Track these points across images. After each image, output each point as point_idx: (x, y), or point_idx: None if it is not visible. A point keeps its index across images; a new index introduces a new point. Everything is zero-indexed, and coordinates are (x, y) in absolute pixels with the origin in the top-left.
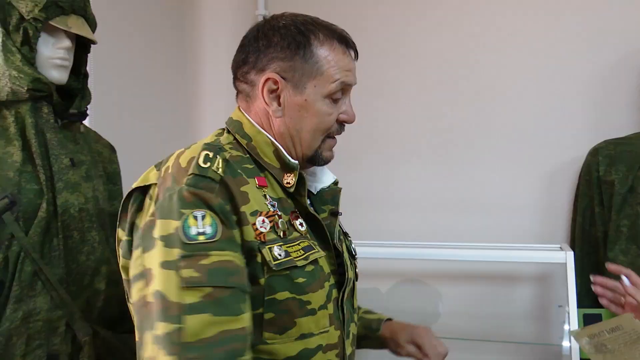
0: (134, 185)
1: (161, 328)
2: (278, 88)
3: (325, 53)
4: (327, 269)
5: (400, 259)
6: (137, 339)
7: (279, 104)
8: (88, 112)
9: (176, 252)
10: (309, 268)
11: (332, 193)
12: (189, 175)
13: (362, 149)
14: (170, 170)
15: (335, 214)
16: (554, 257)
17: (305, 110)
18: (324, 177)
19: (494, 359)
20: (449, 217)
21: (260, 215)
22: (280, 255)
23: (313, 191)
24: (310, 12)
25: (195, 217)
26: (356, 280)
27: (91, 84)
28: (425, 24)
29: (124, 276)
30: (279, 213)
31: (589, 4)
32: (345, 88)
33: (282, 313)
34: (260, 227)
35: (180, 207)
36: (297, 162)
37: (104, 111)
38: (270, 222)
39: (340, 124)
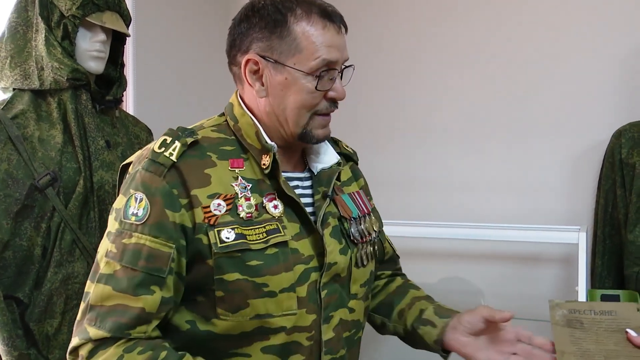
0: (124, 163)
1: (86, 285)
2: (259, 68)
3: (302, 29)
4: (307, 251)
5: (426, 238)
6: None
7: (262, 84)
8: (127, 98)
9: (116, 226)
10: (271, 251)
11: (329, 174)
12: (145, 158)
13: (392, 131)
14: (143, 151)
15: (325, 196)
16: (567, 237)
17: (287, 88)
18: (325, 158)
19: None
20: (474, 198)
21: (217, 198)
22: (228, 238)
23: (314, 171)
24: (349, 6)
25: (136, 199)
26: (361, 265)
27: (133, 71)
28: (452, 5)
29: None
30: (248, 195)
31: None
32: (330, 64)
33: (233, 293)
34: (215, 209)
35: (130, 186)
36: (273, 144)
37: (145, 97)
38: (228, 204)
39: (331, 101)
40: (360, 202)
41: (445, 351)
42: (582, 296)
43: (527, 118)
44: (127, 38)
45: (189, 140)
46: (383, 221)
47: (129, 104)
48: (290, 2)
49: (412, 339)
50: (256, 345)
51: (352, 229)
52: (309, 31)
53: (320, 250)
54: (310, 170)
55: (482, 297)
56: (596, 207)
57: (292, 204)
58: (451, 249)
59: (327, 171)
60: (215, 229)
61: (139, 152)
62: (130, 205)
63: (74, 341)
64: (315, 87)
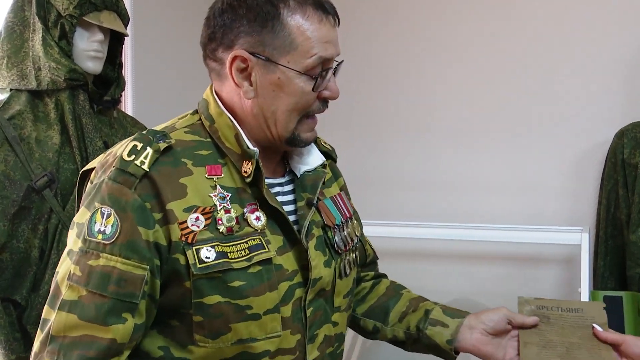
0: (83, 169)
1: (45, 312)
2: (248, 66)
3: (297, 23)
4: (291, 266)
5: (427, 239)
6: None
7: (251, 84)
8: (125, 98)
9: (78, 244)
10: (254, 269)
11: (314, 178)
12: (112, 168)
13: (391, 131)
14: (107, 157)
15: (310, 204)
16: (569, 238)
17: (279, 89)
18: (309, 159)
19: None
20: (476, 199)
21: (195, 212)
22: (208, 257)
23: (297, 173)
24: (354, 4)
25: (102, 214)
26: (344, 276)
27: (131, 71)
28: (451, 3)
29: None
30: (228, 207)
31: None
32: (326, 62)
33: (214, 317)
34: (192, 225)
35: (94, 199)
36: (256, 149)
37: (143, 97)
38: (206, 218)
39: (323, 101)
40: (342, 206)
41: (456, 352)
42: (584, 297)
43: (529, 118)
44: (125, 38)
45: (162, 145)
46: (382, 222)
47: (128, 104)
48: None
49: (416, 341)
50: None
51: (337, 238)
52: (304, 25)
53: (303, 263)
54: (291, 173)
55: (484, 299)
56: (598, 208)
57: (274, 214)
58: (452, 250)
59: (311, 175)
60: (194, 248)
61: (101, 157)
62: (96, 221)
63: None
64: (312, 89)
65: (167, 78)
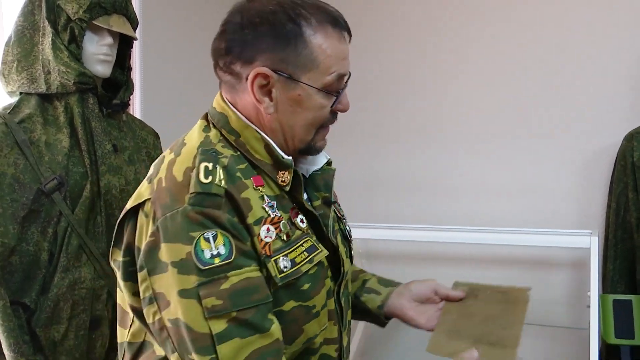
0: (129, 206)
1: (197, 359)
2: (269, 83)
3: (319, 42)
4: (325, 263)
5: (435, 242)
6: (169, 357)
7: (271, 100)
8: (134, 101)
9: (193, 280)
10: (313, 270)
11: (325, 177)
12: (191, 194)
13: (400, 135)
14: (164, 184)
15: (328, 202)
16: (578, 242)
17: (298, 105)
18: (316, 159)
19: (526, 341)
20: (484, 202)
21: (264, 223)
22: (286, 267)
23: (305, 174)
24: (358, 7)
25: (207, 239)
26: (351, 263)
27: (140, 74)
28: (458, 6)
29: (120, 294)
30: (278, 214)
31: None
32: (341, 78)
33: (290, 323)
34: (265, 237)
35: (188, 229)
36: (291, 158)
37: (152, 100)
38: (275, 228)
39: (333, 113)
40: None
41: (386, 317)
42: (594, 301)
43: (538, 121)
44: (134, 41)
45: (225, 161)
46: (389, 225)
47: (136, 108)
48: (301, 9)
49: (354, 308)
50: None
51: (347, 227)
52: (325, 44)
53: (330, 258)
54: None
55: None
56: (608, 211)
57: (308, 216)
58: (460, 253)
59: (320, 175)
60: (272, 259)
61: (147, 186)
62: (204, 248)
63: None
64: (332, 106)
65: (175, 81)
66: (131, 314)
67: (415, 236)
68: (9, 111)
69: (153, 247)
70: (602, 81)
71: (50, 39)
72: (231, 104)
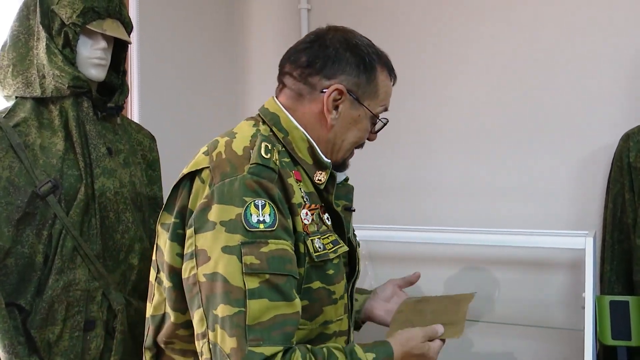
0: (185, 171)
1: (223, 310)
2: (341, 99)
3: (382, 79)
4: (344, 260)
5: (432, 244)
6: (192, 315)
7: (337, 113)
8: (131, 105)
9: (238, 238)
10: (336, 261)
11: (347, 190)
12: (252, 164)
13: (399, 136)
14: (224, 156)
15: (349, 209)
16: (574, 243)
17: (355, 124)
18: (337, 175)
19: (523, 342)
20: (480, 203)
21: (304, 208)
22: (320, 247)
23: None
24: (357, 7)
25: (257, 206)
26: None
27: (137, 78)
28: (458, 9)
29: (159, 257)
30: (312, 207)
31: None
32: (384, 111)
33: (314, 301)
34: (304, 219)
35: (243, 194)
36: (330, 160)
37: (150, 103)
38: (312, 214)
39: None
40: None
41: (362, 322)
42: (589, 302)
43: (534, 121)
44: (130, 45)
45: (279, 147)
46: (387, 226)
47: (134, 111)
48: (376, 51)
49: None
50: None
51: (356, 237)
52: (384, 82)
53: (345, 260)
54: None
55: (490, 304)
56: (605, 212)
57: (335, 219)
58: (456, 255)
59: (342, 187)
60: (310, 238)
61: (204, 157)
62: (252, 213)
63: None
64: (375, 130)
65: (173, 85)
66: (154, 290)
67: (410, 237)
68: (4, 115)
69: (205, 208)
70: (598, 82)
71: (44, 43)
72: (286, 108)
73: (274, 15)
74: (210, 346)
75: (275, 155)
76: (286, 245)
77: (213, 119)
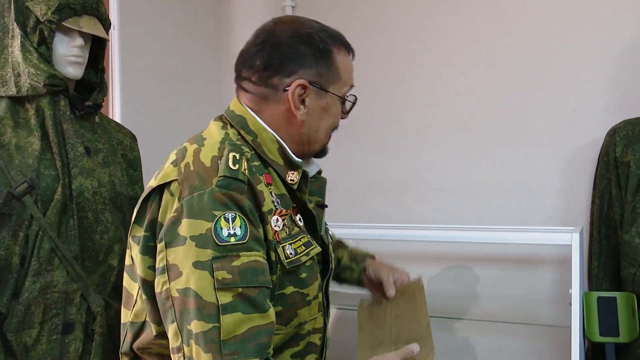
0: (154, 184)
1: (197, 326)
2: (305, 92)
3: (340, 60)
4: (317, 259)
5: (419, 241)
6: (166, 328)
7: (305, 107)
8: (113, 104)
9: (209, 253)
10: (309, 263)
11: (319, 185)
12: (220, 177)
13: (384, 134)
14: (192, 168)
15: (321, 206)
16: (561, 238)
17: (325, 112)
18: (309, 167)
19: (510, 340)
20: (466, 200)
21: (274, 214)
22: (291, 254)
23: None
24: (341, 3)
25: (227, 219)
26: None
27: (119, 76)
28: (446, 6)
29: (126, 278)
30: (283, 210)
31: None
32: (350, 89)
33: (289, 306)
34: (275, 225)
35: (212, 208)
36: (301, 160)
37: (132, 102)
38: (282, 220)
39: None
40: None
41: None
42: (575, 299)
43: (520, 117)
44: (111, 43)
45: (247, 155)
46: (378, 224)
47: (116, 110)
48: (328, 34)
49: (338, 280)
50: (287, 352)
51: (330, 231)
52: (343, 61)
53: (319, 258)
54: None
55: (476, 301)
56: (592, 208)
57: (308, 219)
58: (443, 252)
59: (314, 181)
60: (281, 245)
61: (173, 168)
62: (222, 226)
63: None
64: (344, 112)
65: (155, 83)
66: (135, 297)
67: (395, 235)
68: None
69: (175, 222)
70: (583, 77)
71: (19, 41)
72: (252, 110)
73: (258, 13)
74: None
75: (244, 165)
76: (258, 256)
77: (196, 118)
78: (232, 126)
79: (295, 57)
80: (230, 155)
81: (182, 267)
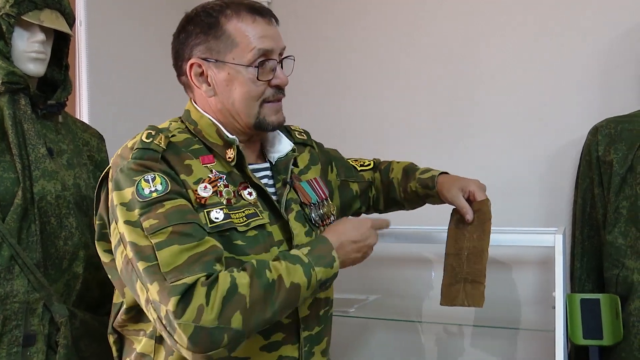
0: (101, 177)
1: (140, 265)
2: (203, 70)
3: (234, 26)
4: (277, 236)
5: (397, 243)
6: (136, 293)
7: (209, 84)
8: (81, 103)
9: (136, 212)
10: (251, 233)
11: (285, 162)
12: (134, 150)
13: (363, 131)
14: (119, 152)
15: (285, 183)
16: (543, 240)
17: (231, 83)
18: (280, 147)
19: (492, 344)
20: None
21: (203, 182)
22: (217, 218)
23: (272, 161)
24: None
25: (147, 180)
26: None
27: (86, 75)
28: (423, 4)
29: (102, 259)
30: (226, 183)
31: None
32: (267, 54)
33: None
34: (203, 192)
35: (131, 176)
36: (234, 137)
37: (100, 101)
38: (212, 187)
39: (277, 89)
40: (318, 189)
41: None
42: (559, 301)
43: (500, 116)
44: (75, 39)
45: (169, 135)
46: None
47: (83, 110)
48: (219, 5)
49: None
50: None
51: (313, 214)
52: (240, 26)
53: (288, 236)
54: (269, 161)
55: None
56: (574, 208)
57: (262, 194)
58: (423, 254)
59: (283, 160)
60: (205, 210)
61: (114, 159)
62: (143, 187)
63: (171, 303)
64: (257, 77)
65: (125, 82)
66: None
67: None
68: None
69: (111, 201)
70: (565, 75)
71: None
72: (193, 102)
73: None
74: (153, 306)
75: (160, 140)
76: (182, 202)
77: (167, 117)
78: (182, 122)
79: (187, 40)
80: (145, 132)
81: (123, 231)
